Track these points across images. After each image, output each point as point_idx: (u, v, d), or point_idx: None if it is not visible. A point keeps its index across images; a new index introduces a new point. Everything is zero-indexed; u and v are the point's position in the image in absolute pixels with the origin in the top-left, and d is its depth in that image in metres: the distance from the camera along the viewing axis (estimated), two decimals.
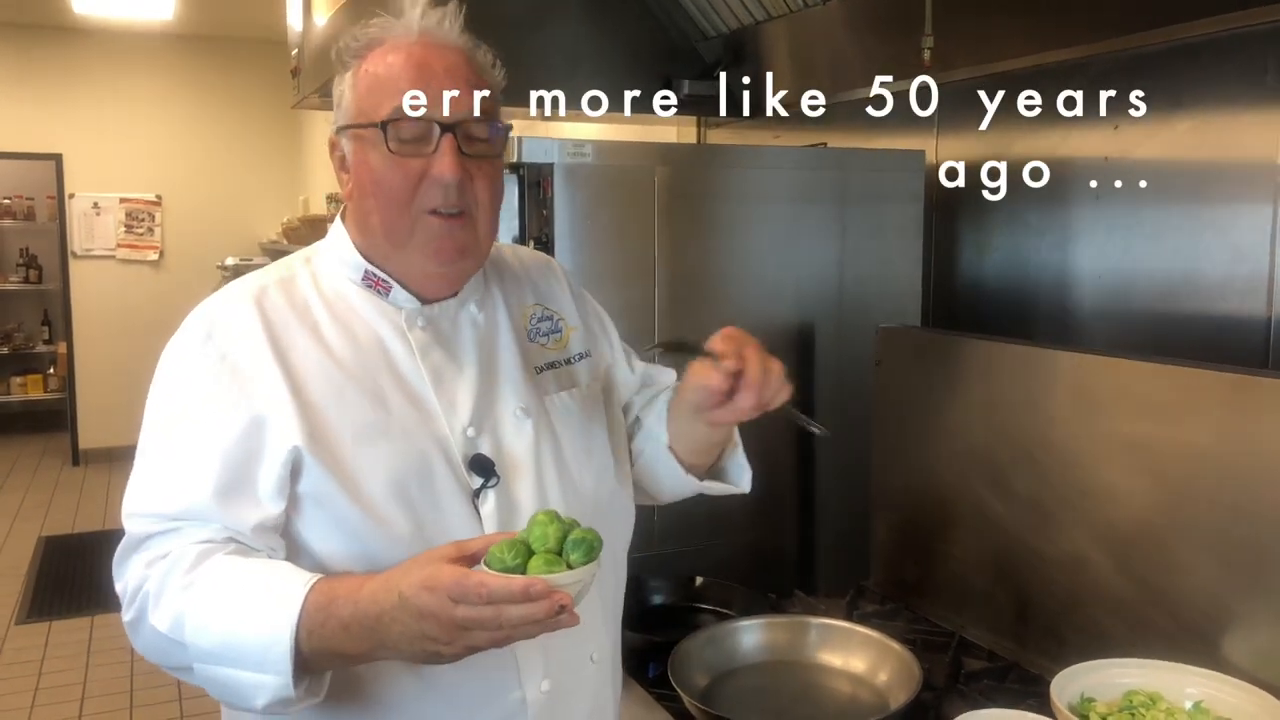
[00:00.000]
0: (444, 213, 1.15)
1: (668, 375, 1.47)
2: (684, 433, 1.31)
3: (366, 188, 1.16)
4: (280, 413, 1.12)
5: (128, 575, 1.11)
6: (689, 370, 1.22)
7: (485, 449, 1.20)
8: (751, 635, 1.59)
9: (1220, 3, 1.55)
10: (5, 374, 8.25)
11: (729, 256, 1.98)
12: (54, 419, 8.12)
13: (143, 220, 7.75)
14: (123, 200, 7.66)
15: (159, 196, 7.76)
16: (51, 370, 8.27)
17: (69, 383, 7.68)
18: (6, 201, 8.02)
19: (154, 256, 7.81)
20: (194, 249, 7.81)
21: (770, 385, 1.16)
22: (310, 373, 1.15)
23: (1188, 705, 1.29)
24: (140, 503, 1.12)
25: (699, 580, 1.88)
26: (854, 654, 1.56)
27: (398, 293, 1.21)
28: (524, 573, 0.96)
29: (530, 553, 0.98)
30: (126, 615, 1.10)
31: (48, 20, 7.00)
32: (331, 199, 5.55)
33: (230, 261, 7.43)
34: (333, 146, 1.21)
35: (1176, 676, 1.32)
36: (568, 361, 1.33)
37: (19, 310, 8.39)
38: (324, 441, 1.12)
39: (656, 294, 1.90)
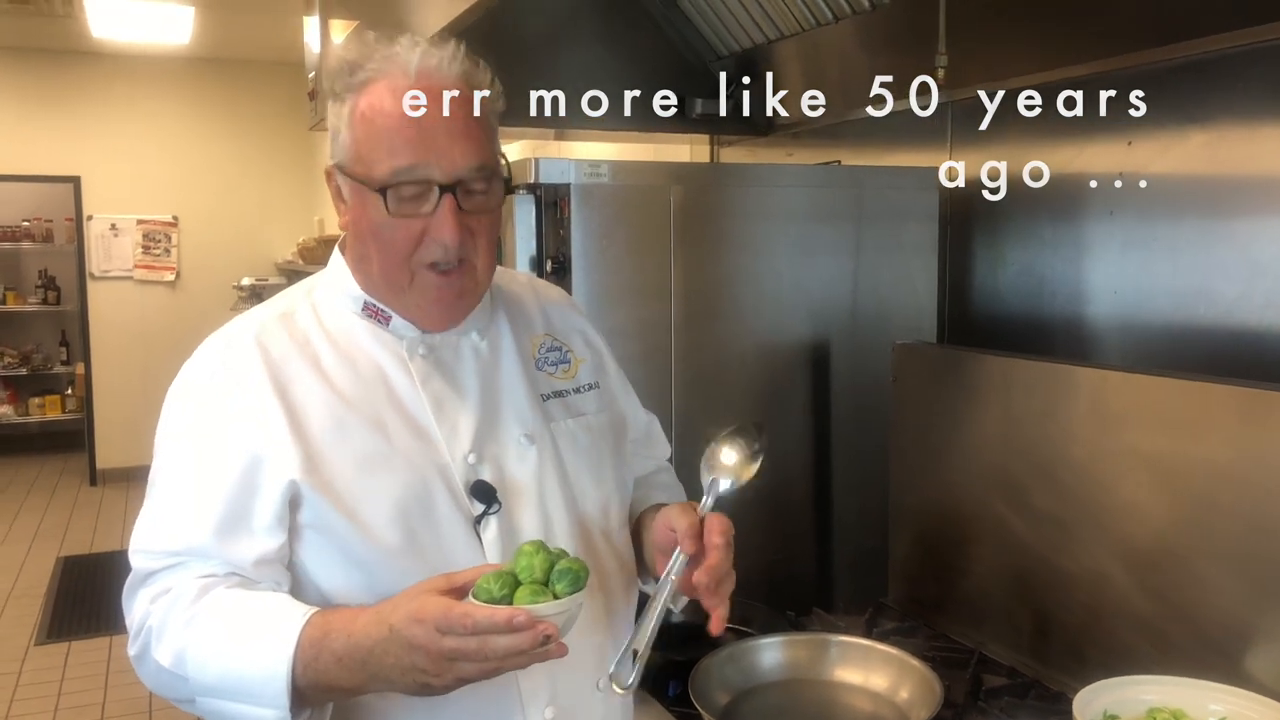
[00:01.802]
0: (443, 268, 1.16)
1: (663, 447, 1.48)
2: (640, 546, 1.33)
3: (365, 235, 1.17)
4: (277, 448, 1.13)
5: (135, 610, 1.14)
6: (670, 515, 1.18)
7: (487, 475, 1.20)
8: (771, 653, 1.59)
9: (1233, 19, 1.56)
10: (24, 395, 8.31)
11: (745, 274, 1.99)
12: (72, 439, 8.17)
13: (160, 241, 7.81)
14: (140, 222, 7.73)
15: (176, 218, 7.82)
16: (69, 391, 8.32)
17: (87, 403, 7.73)
18: (25, 224, 8.10)
19: (171, 277, 7.87)
20: (210, 270, 7.87)
21: (718, 594, 1.12)
22: (310, 406, 1.16)
23: None
24: (145, 540, 1.15)
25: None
26: (874, 671, 1.56)
27: (397, 322, 1.22)
28: (510, 604, 0.97)
29: (517, 583, 0.99)
30: (132, 649, 1.13)
31: (66, 44, 7.09)
32: None
33: (246, 282, 7.48)
34: (329, 176, 1.20)
35: (1200, 693, 1.31)
36: (576, 390, 1.32)
37: (37, 331, 8.46)
38: (322, 473, 1.13)
39: (673, 312, 1.91)
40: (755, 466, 1.19)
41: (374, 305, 1.22)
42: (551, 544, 1.11)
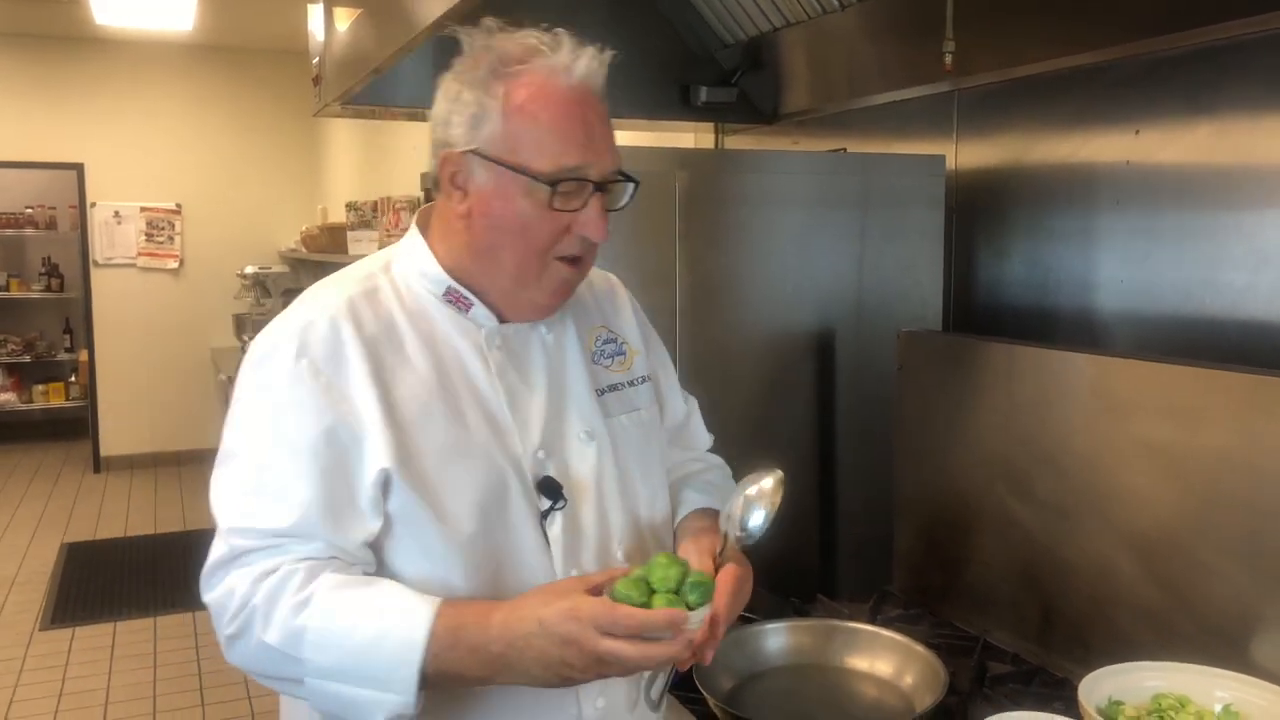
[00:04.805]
0: (571, 260, 1.18)
1: (703, 437, 1.49)
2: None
3: (505, 227, 1.15)
4: (372, 433, 1.12)
5: (226, 589, 1.11)
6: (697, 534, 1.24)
7: (553, 471, 1.21)
8: (777, 639, 1.59)
9: (1242, 6, 1.55)
10: (27, 382, 8.32)
11: (750, 261, 1.99)
12: (75, 426, 8.19)
13: (163, 229, 7.81)
14: (143, 209, 7.74)
15: (179, 205, 7.83)
16: (73, 378, 8.34)
17: (90, 390, 7.75)
18: (29, 211, 8.10)
19: (174, 265, 7.87)
20: (214, 257, 7.88)
21: (712, 641, 1.12)
22: (400, 391, 1.15)
23: (1217, 708, 1.28)
24: (241, 519, 1.12)
25: None
26: (879, 658, 1.56)
27: (478, 310, 1.22)
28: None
29: (651, 591, 1.03)
30: (228, 629, 1.10)
31: (69, 31, 7.08)
32: (352, 207, 5.58)
33: (249, 270, 7.49)
34: (449, 161, 1.17)
35: (1205, 679, 1.31)
36: (630, 384, 1.34)
37: (41, 319, 8.47)
38: (412, 463, 1.13)
39: (678, 299, 1.91)
40: (768, 518, 1.18)
41: (456, 291, 1.21)
42: (608, 540, 1.20)
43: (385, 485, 1.12)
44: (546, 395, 1.24)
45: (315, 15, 2.86)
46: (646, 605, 1.01)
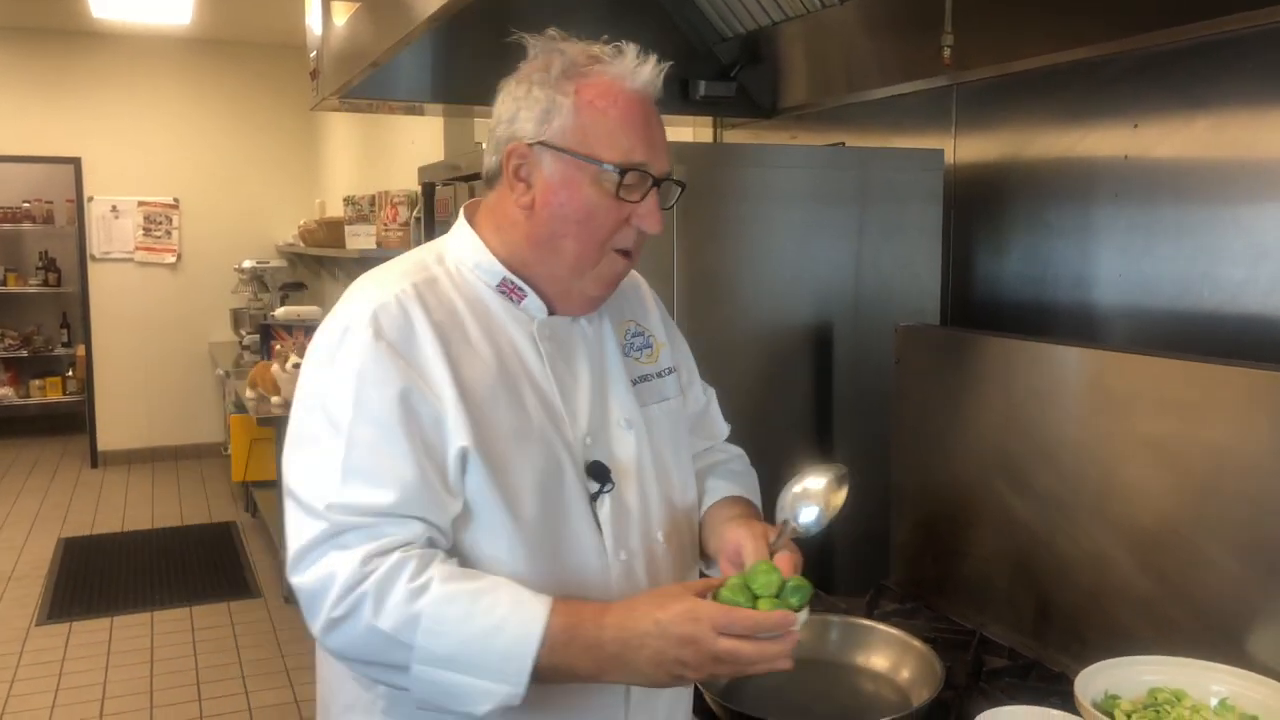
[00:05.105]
0: (624, 253, 1.24)
1: (721, 425, 1.54)
2: (706, 535, 1.39)
3: (569, 215, 1.20)
4: (451, 412, 1.15)
5: (324, 572, 1.10)
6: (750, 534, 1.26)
7: (600, 458, 1.26)
8: None
9: (1240, 1, 1.55)
10: (24, 376, 8.32)
11: (747, 256, 1.99)
12: (73, 421, 8.19)
13: (160, 223, 7.80)
14: (141, 204, 7.72)
15: (177, 200, 7.81)
16: (70, 373, 8.33)
17: (87, 385, 7.74)
18: (26, 205, 8.09)
19: (172, 259, 7.86)
20: (211, 252, 7.86)
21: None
22: (469, 374, 1.18)
23: (1213, 702, 1.28)
24: (338, 497, 1.12)
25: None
26: (876, 652, 1.56)
27: (531, 301, 1.26)
28: None
29: (754, 596, 1.09)
30: (332, 611, 1.10)
31: (67, 25, 7.06)
32: (349, 201, 5.56)
33: (247, 264, 7.48)
34: (516, 154, 1.21)
35: (1201, 673, 1.32)
36: (658, 375, 1.39)
37: (38, 313, 8.47)
38: (485, 444, 1.17)
39: (675, 293, 1.91)
40: (831, 513, 1.24)
41: (511, 282, 1.25)
42: (650, 523, 1.29)
43: (463, 464, 1.16)
44: (590, 385, 1.28)
45: (313, 9, 2.85)
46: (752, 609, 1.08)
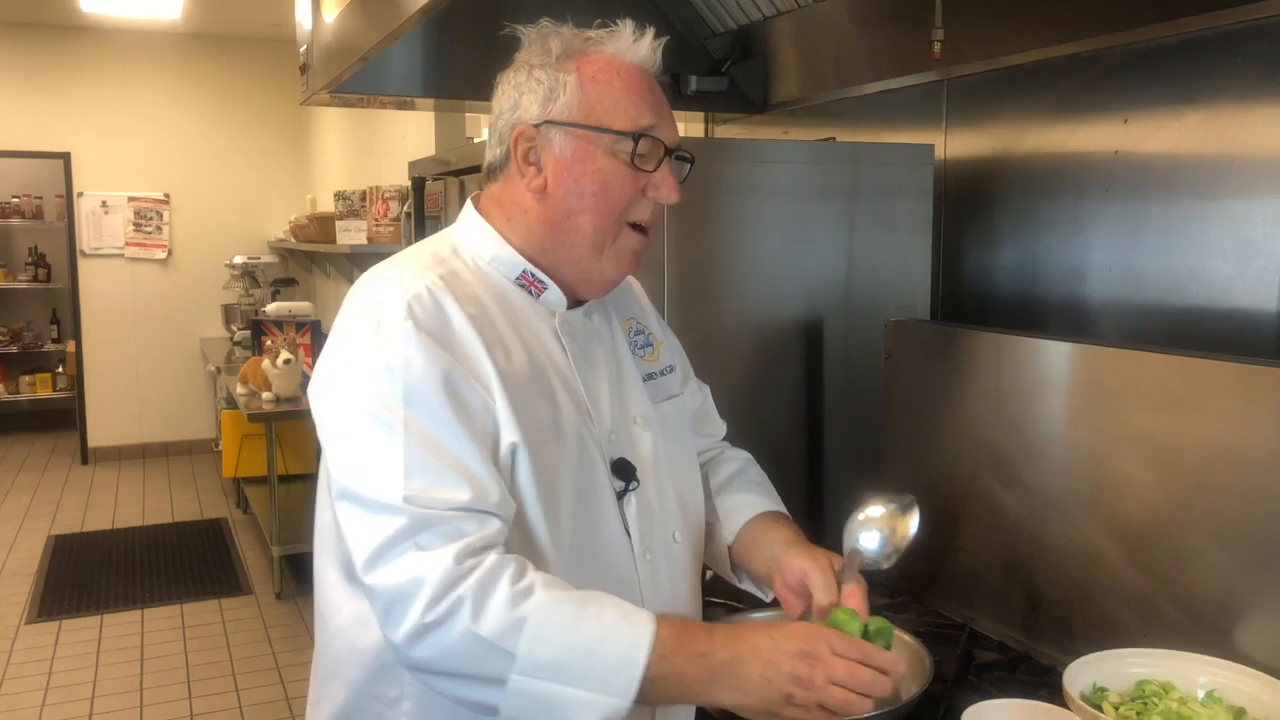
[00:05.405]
0: (644, 228, 1.22)
1: (718, 424, 1.53)
2: (749, 553, 1.38)
3: (585, 190, 1.17)
4: (500, 405, 1.11)
5: (408, 575, 1.02)
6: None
7: (625, 455, 1.24)
8: None
9: None
10: (14, 373, 8.29)
11: (738, 250, 1.98)
12: (63, 418, 8.16)
13: (151, 219, 7.77)
14: (131, 199, 7.69)
15: (167, 195, 7.79)
16: (60, 369, 8.30)
17: (78, 381, 7.71)
18: (15, 200, 8.06)
19: (162, 255, 7.84)
20: (202, 247, 7.84)
21: None
22: (508, 368, 1.14)
23: (1200, 694, 1.29)
24: (411, 488, 1.04)
25: (708, 573, 1.88)
26: None
27: (551, 294, 1.23)
28: None
29: None
30: (424, 617, 1.01)
31: (56, 19, 7.03)
32: (340, 197, 5.55)
33: (239, 260, 7.46)
34: (524, 137, 1.19)
35: (1189, 666, 1.32)
36: (661, 373, 1.37)
37: (28, 309, 8.44)
38: (531, 440, 1.13)
39: (666, 288, 1.91)
40: (902, 549, 1.26)
41: (531, 274, 1.22)
42: (668, 522, 1.27)
43: (513, 460, 1.12)
44: (609, 381, 1.26)
45: (302, 2, 2.84)
46: None
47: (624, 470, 1.22)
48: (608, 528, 1.20)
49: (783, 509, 1.43)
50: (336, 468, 1.11)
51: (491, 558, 1.04)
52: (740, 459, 1.51)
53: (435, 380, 1.08)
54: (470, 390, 1.10)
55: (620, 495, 1.22)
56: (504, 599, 1.01)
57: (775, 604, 1.36)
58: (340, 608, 1.21)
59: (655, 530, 1.25)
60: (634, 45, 1.20)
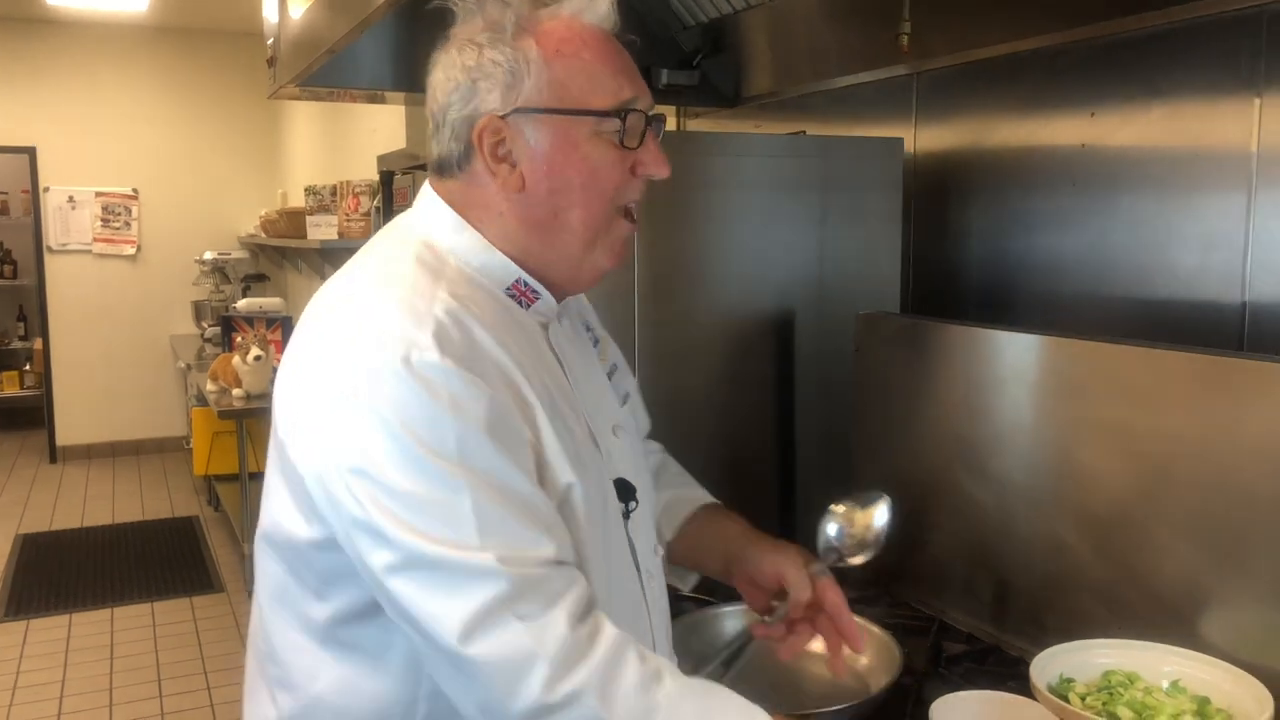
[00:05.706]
0: (633, 214, 1.11)
1: (645, 420, 1.42)
2: (698, 546, 1.35)
3: (571, 182, 1.05)
4: (548, 439, 1.01)
5: (518, 642, 0.92)
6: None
7: (621, 472, 1.16)
8: (733, 621, 1.58)
9: None
10: None
11: (709, 244, 1.98)
12: (31, 416, 8.05)
13: (119, 214, 7.68)
14: (99, 194, 7.60)
15: (135, 190, 7.69)
16: (28, 367, 8.19)
17: (45, 379, 7.61)
18: None
19: (131, 251, 7.74)
20: (172, 243, 7.76)
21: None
22: (542, 396, 1.03)
23: (1165, 684, 1.30)
24: (495, 545, 0.92)
25: None
26: None
27: (543, 302, 1.11)
28: None
29: None
30: (550, 695, 0.91)
31: (21, 12, 6.92)
32: (311, 191, 5.50)
33: (208, 256, 7.38)
34: (490, 130, 1.04)
35: (1154, 656, 1.33)
36: (609, 374, 1.28)
37: None
38: (580, 477, 1.03)
39: (636, 282, 1.90)
40: (874, 546, 1.28)
41: (524, 282, 1.09)
42: (650, 534, 1.21)
43: (569, 502, 1.02)
44: (591, 391, 1.17)
45: None
46: None
47: (625, 490, 1.14)
48: (619, 553, 1.12)
49: (711, 498, 1.40)
50: (395, 532, 0.94)
51: (610, 630, 0.95)
52: (655, 450, 1.43)
53: (484, 420, 0.95)
54: (518, 426, 0.98)
55: (626, 517, 1.14)
56: (634, 682, 0.93)
57: (736, 595, 1.38)
58: (315, 675, 1.06)
59: (649, 547, 1.20)
60: (591, 3, 1.06)
